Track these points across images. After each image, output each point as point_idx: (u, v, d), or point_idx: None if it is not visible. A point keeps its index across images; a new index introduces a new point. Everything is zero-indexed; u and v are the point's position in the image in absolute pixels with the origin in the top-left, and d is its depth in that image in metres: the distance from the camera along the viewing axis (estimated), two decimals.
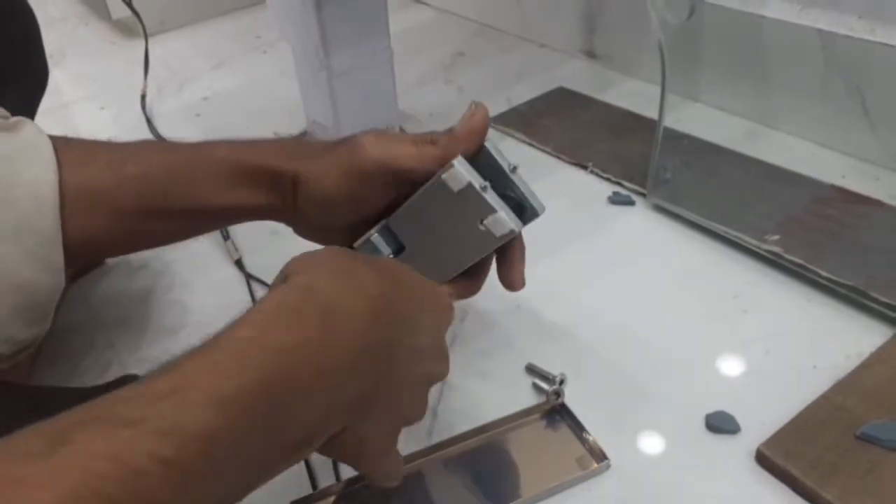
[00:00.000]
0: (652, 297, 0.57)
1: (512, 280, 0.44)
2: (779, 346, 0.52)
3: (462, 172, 0.40)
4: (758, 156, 0.70)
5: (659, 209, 0.65)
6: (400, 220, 0.44)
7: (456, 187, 0.40)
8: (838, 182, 0.66)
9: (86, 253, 0.45)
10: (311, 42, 0.72)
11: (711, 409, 0.47)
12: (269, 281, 0.60)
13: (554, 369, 0.50)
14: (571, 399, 0.48)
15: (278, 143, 0.48)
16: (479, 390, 0.50)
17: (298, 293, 0.31)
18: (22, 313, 0.41)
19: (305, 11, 0.69)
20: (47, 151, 0.42)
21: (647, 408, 0.48)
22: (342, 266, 0.33)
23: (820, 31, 0.68)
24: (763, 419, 0.46)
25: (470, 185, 0.40)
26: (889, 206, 0.62)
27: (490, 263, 0.45)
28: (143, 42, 1.00)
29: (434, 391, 0.49)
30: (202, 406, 0.26)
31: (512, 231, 0.41)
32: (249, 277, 0.62)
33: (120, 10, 1.05)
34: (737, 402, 0.48)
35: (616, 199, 0.67)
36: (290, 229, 0.49)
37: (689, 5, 0.61)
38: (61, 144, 0.43)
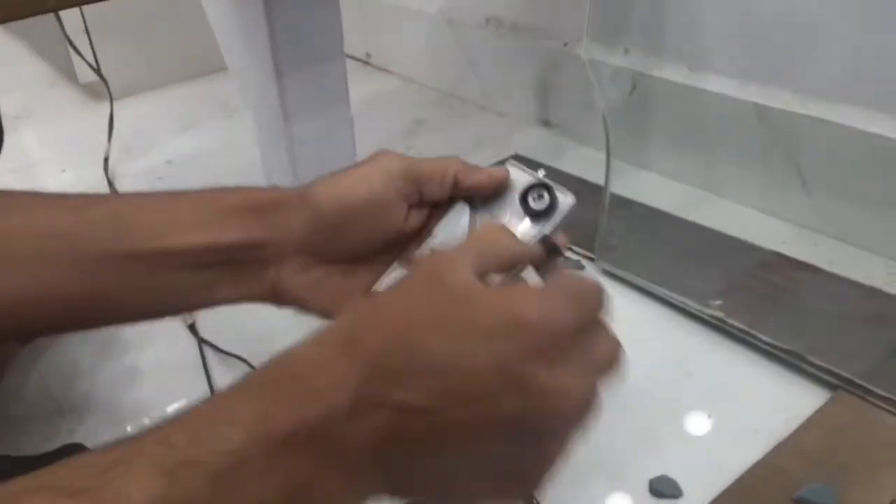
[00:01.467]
0: None
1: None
2: (721, 409, 0.53)
3: (520, 169, 0.41)
4: (703, 222, 0.73)
5: (607, 273, 0.67)
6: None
7: (520, 186, 0.41)
8: (779, 248, 0.68)
9: (33, 317, 0.40)
10: (271, 110, 0.74)
11: (655, 474, 0.48)
12: (221, 345, 0.61)
13: None
14: None
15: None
16: None
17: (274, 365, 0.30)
18: None
19: (266, 80, 0.71)
20: None
21: (592, 473, 0.49)
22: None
23: (757, 104, 0.71)
24: (705, 483, 0.47)
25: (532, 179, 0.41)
26: (827, 273, 0.65)
27: None
28: (109, 105, 1.01)
29: None
30: (147, 476, 0.25)
31: (574, 203, 0.40)
32: (202, 342, 0.62)
33: (88, 75, 1.07)
34: (680, 466, 0.48)
35: (565, 264, 0.69)
36: None
37: (630, 81, 0.64)
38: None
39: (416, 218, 0.41)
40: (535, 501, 0.47)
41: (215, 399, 0.29)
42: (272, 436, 0.27)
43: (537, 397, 0.28)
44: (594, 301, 0.32)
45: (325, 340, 0.30)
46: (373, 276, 0.42)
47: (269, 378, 0.30)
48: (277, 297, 0.41)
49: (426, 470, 0.29)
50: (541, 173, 0.42)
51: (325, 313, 0.41)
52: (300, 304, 0.42)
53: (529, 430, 0.29)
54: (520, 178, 0.42)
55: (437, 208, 0.42)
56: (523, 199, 0.41)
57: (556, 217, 0.40)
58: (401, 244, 0.42)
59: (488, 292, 0.30)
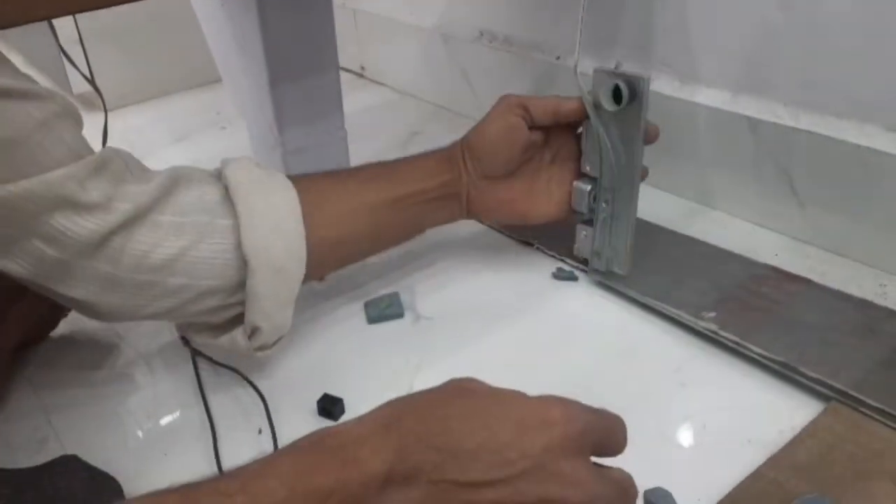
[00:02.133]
0: (591, 372, 0.58)
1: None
2: (715, 420, 0.53)
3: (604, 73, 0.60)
4: (696, 234, 0.73)
5: (601, 285, 0.67)
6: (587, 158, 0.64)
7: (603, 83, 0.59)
8: (772, 260, 0.68)
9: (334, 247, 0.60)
10: (265, 120, 0.74)
11: (650, 485, 0.48)
12: (215, 357, 0.61)
13: None
14: None
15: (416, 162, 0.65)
16: None
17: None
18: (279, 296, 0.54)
19: (259, 90, 0.71)
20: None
21: None
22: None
23: (749, 117, 0.72)
24: (699, 494, 0.47)
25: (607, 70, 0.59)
26: (819, 285, 0.65)
27: None
28: (103, 116, 1.01)
29: None
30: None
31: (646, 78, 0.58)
32: (195, 353, 0.62)
33: (81, 85, 1.07)
34: (674, 477, 0.48)
35: (559, 275, 0.69)
36: None
37: None
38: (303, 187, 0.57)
39: (537, 135, 0.64)
40: None
41: (266, 458, 0.33)
42: (312, 491, 0.31)
43: (556, 481, 0.32)
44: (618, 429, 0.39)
45: (369, 419, 0.35)
46: (523, 182, 0.65)
47: (315, 445, 0.34)
48: (470, 214, 0.66)
49: None
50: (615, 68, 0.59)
51: (498, 220, 0.73)
52: (481, 215, 0.68)
53: None
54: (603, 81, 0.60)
55: (551, 130, 0.64)
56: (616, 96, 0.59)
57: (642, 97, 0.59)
58: (535, 156, 0.65)
59: (521, 396, 0.35)
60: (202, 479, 0.32)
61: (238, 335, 0.54)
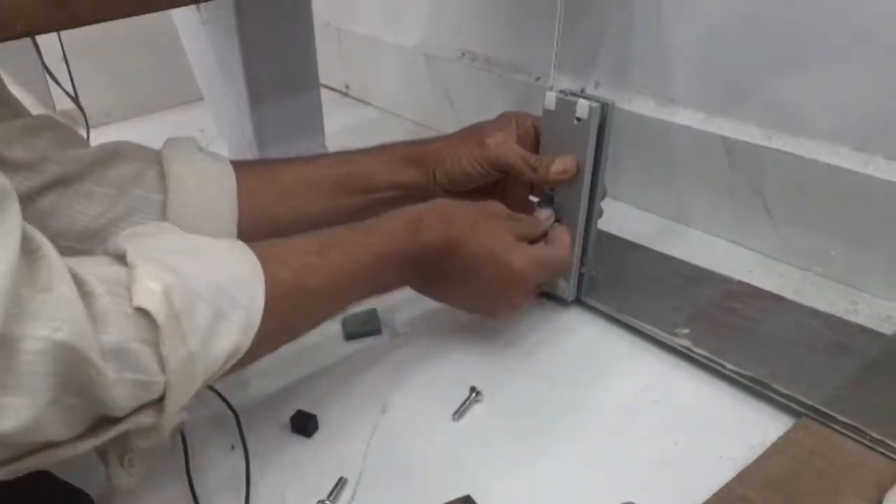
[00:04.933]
0: (564, 386, 0.58)
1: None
2: (687, 436, 0.53)
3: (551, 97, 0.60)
4: (672, 252, 0.74)
5: (576, 301, 0.68)
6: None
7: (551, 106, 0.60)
8: (745, 277, 0.69)
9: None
10: (245, 138, 0.74)
11: (620, 500, 0.48)
12: None
13: (467, 459, 0.51)
14: (481, 493, 0.48)
15: (426, 144, 0.66)
16: (398, 483, 0.50)
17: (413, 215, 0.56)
18: None
19: (239, 108, 0.72)
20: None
21: (559, 499, 0.49)
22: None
23: (724, 137, 0.73)
24: None
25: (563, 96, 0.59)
26: (791, 301, 0.66)
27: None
28: (86, 133, 1.01)
29: (348, 486, 0.50)
30: (343, 253, 0.51)
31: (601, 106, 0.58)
32: None
33: (65, 102, 1.07)
34: (645, 492, 0.48)
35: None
36: None
37: None
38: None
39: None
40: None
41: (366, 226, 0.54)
42: (407, 249, 0.54)
43: (514, 275, 0.57)
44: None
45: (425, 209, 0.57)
46: (484, 195, 0.64)
47: (405, 221, 0.55)
48: None
49: (445, 285, 0.59)
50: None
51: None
52: None
53: (498, 285, 0.58)
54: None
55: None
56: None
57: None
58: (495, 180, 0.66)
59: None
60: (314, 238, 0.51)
61: None
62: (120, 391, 0.36)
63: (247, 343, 0.42)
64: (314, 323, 0.52)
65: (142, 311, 0.37)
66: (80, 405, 0.36)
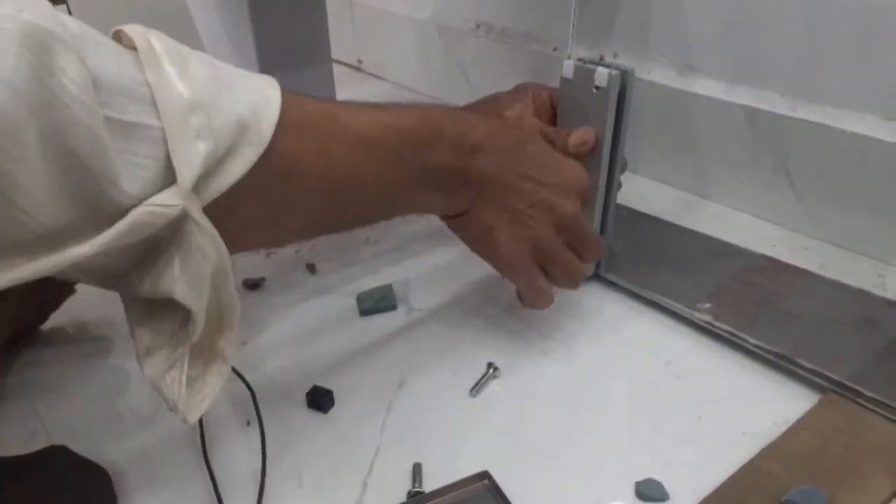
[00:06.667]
0: (586, 364, 0.58)
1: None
2: (709, 412, 0.52)
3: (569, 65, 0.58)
4: (693, 226, 0.72)
5: (595, 276, 0.66)
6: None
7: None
8: (769, 252, 0.68)
9: None
10: None
11: (642, 477, 0.47)
12: None
13: (484, 435, 0.50)
14: (499, 469, 0.48)
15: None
16: (415, 459, 0.50)
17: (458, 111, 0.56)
18: None
19: None
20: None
21: (578, 476, 0.48)
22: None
23: (746, 107, 0.71)
24: (692, 486, 0.46)
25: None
26: (817, 276, 0.64)
27: None
28: None
29: (364, 462, 0.49)
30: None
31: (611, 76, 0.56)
32: None
33: None
34: (667, 468, 0.48)
35: None
36: None
37: None
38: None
39: None
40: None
41: (407, 106, 0.50)
42: (441, 132, 0.50)
43: (567, 198, 0.54)
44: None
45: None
46: None
47: (450, 110, 0.54)
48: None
49: (488, 211, 0.53)
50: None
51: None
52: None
53: (544, 210, 0.53)
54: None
55: None
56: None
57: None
58: None
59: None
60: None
61: None
62: (104, 130, 0.32)
63: (258, 126, 0.38)
64: (356, 176, 0.45)
65: (122, 40, 0.35)
66: (60, 149, 0.31)
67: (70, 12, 1.03)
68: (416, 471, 0.48)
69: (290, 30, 0.71)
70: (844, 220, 0.68)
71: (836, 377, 0.52)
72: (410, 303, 0.66)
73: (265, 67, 0.70)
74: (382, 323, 0.64)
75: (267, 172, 0.39)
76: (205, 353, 0.41)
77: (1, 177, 0.30)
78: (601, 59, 0.58)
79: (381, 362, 0.59)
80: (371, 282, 0.68)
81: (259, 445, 0.50)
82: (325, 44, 0.74)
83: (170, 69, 0.35)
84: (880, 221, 0.65)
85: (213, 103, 0.36)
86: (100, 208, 0.34)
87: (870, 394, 0.51)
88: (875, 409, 0.50)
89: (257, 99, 0.39)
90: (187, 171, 0.35)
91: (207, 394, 0.41)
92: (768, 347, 0.55)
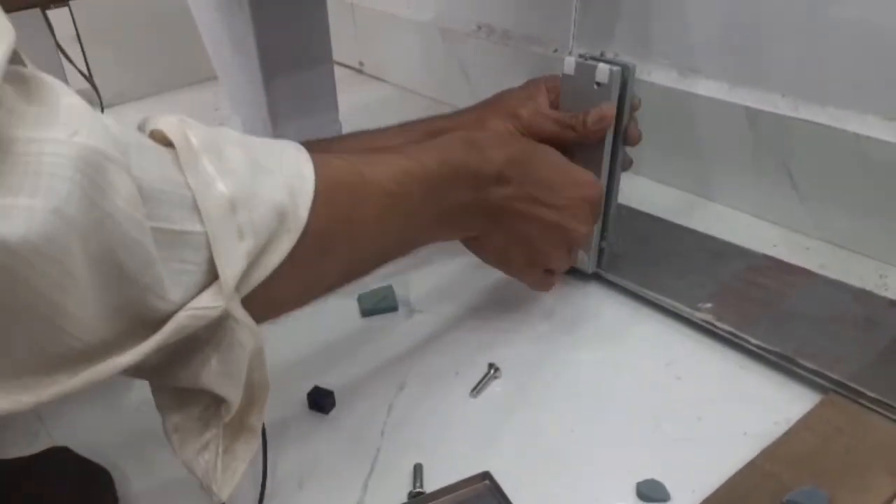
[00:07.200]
0: (587, 364, 0.58)
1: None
2: (710, 412, 0.52)
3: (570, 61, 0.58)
4: (694, 226, 0.72)
5: (596, 276, 0.66)
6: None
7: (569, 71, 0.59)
8: (770, 252, 0.68)
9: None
10: (259, 115, 0.73)
11: (643, 477, 0.47)
12: None
13: (485, 436, 0.50)
14: (500, 470, 0.48)
15: (449, 119, 0.64)
16: (416, 460, 0.50)
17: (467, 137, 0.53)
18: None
19: (253, 85, 0.71)
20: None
21: (579, 476, 0.48)
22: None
23: (748, 108, 0.71)
24: (693, 487, 0.46)
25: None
26: (818, 276, 0.64)
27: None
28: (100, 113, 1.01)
29: (365, 463, 0.49)
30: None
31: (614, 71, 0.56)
32: None
33: (79, 82, 1.07)
34: (668, 469, 0.48)
35: None
36: None
37: None
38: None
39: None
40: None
41: (426, 146, 0.51)
42: (456, 165, 0.50)
43: (580, 220, 0.56)
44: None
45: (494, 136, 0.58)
46: None
47: (463, 140, 0.52)
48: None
49: (503, 235, 0.55)
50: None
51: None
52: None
53: (558, 234, 0.55)
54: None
55: None
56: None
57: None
58: None
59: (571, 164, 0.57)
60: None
61: None
62: (151, 243, 0.32)
63: (296, 211, 0.38)
64: (381, 232, 0.46)
65: (160, 139, 0.34)
66: (108, 267, 0.30)
67: (72, 15, 1.04)
68: (417, 471, 0.48)
69: (291, 31, 0.71)
70: (846, 220, 0.68)
71: (837, 377, 0.52)
72: (411, 303, 0.66)
73: (266, 69, 0.70)
74: (383, 324, 0.64)
75: (302, 252, 0.39)
76: (233, 427, 0.41)
77: (48, 305, 0.29)
78: (602, 54, 0.58)
79: (382, 363, 0.59)
80: (372, 283, 0.68)
81: (260, 446, 0.50)
82: (326, 45, 0.75)
83: (208, 167, 0.35)
84: (882, 221, 0.65)
85: (252, 195, 0.36)
86: (143, 318, 0.33)
87: (871, 394, 0.50)
88: (876, 409, 0.50)
89: (293, 177, 0.39)
90: (230, 272, 0.35)
91: (237, 467, 0.40)
92: (769, 347, 0.55)
